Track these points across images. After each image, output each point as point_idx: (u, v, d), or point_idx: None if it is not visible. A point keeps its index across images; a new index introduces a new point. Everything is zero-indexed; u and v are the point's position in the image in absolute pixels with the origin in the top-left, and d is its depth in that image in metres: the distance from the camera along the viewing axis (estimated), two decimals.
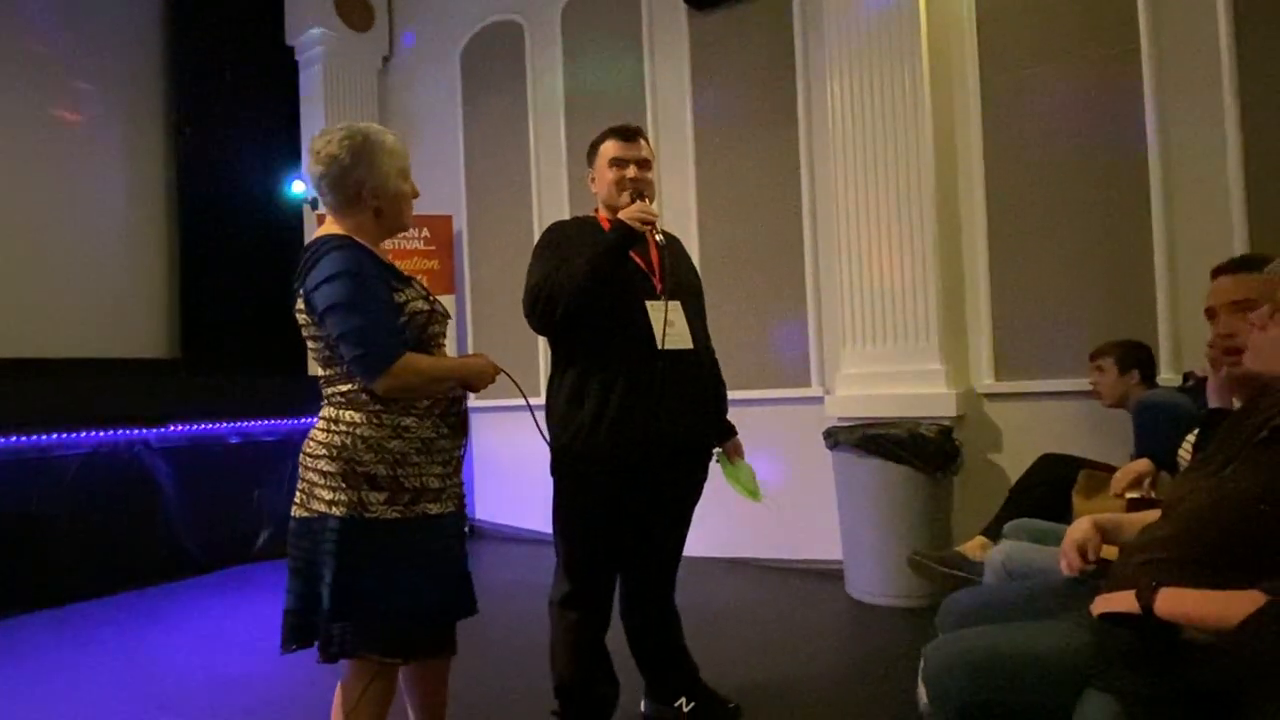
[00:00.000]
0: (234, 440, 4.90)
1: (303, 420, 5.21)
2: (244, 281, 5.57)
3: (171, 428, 4.61)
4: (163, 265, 5.64)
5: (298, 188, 5.71)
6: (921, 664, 1.42)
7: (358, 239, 1.71)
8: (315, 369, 1.76)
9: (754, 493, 2.31)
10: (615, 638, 2.27)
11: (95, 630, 3.58)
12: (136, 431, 4.45)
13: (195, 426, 4.74)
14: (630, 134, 2.22)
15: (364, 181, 1.70)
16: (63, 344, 4.97)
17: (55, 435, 4.14)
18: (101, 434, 4.30)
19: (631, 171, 2.18)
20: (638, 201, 2.10)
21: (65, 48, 5.19)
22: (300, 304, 1.69)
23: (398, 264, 1.81)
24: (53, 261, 5.07)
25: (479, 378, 1.79)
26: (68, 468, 4.13)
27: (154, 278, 5.60)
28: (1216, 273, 1.79)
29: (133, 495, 4.36)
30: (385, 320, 1.65)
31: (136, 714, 2.61)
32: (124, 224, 5.48)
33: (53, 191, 5.12)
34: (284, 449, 5.06)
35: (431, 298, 1.80)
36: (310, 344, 1.72)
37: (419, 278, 1.86)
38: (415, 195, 1.82)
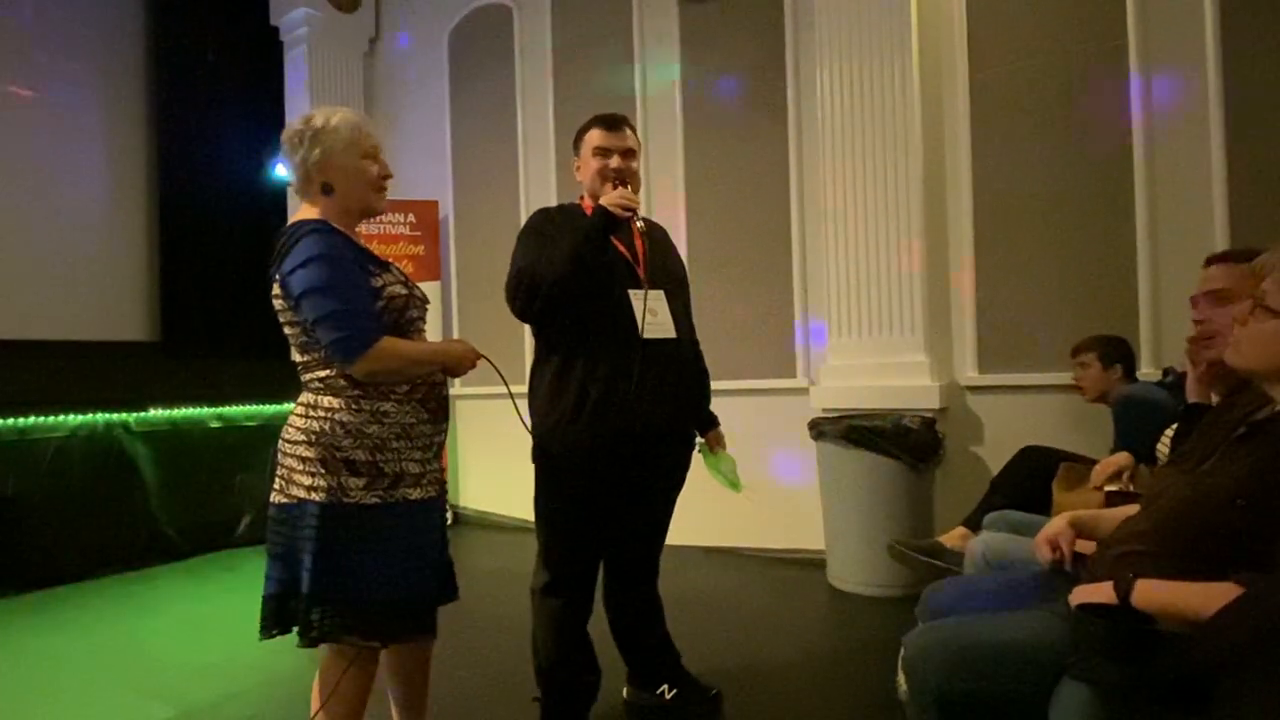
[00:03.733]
0: (215, 424, 4.86)
1: (284, 405, 5.17)
2: (225, 265, 5.52)
3: (151, 411, 4.56)
4: (143, 247, 5.57)
5: (281, 171, 5.65)
6: (901, 653, 1.43)
7: (331, 223, 1.70)
8: (294, 354, 1.74)
9: (734, 484, 2.31)
10: (598, 625, 2.27)
11: (73, 615, 3.55)
12: (115, 414, 4.40)
13: (175, 410, 4.69)
14: (615, 123, 2.20)
15: (308, 158, 1.71)
16: (42, 325, 4.91)
17: (33, 417, 4.09)
18: (80, 417, 4.25)
19: (615, 161, 2.16)
20: (619, 188, 2.08)
21: (45, 26, 5.10)
22: (276, 289, 1.68)
23: (382, 249, 1.80)
24: (31, 243, 4.99)
25: (459, 363, 1.78)
26: (45, 450, 4.09)
27: (134, 260, 5.53)
28: (1209, 262, 1.80)
29: (111, 479, 4.32)
30: (362, 304, 1.64)
31: (115, 699, 2.59)
32: (104, 205, 5.40)
33: (31, 172, 5.03)
34: (265, 433, 5.02)
35: (410, 283, 1.79)
36: (287, 329, 1.71)
37: (402, 263, 1.84)
38: (384, 176, 1.80)
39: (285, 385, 5.15)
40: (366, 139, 1.76)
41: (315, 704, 1.71)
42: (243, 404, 5.01)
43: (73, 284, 5.16)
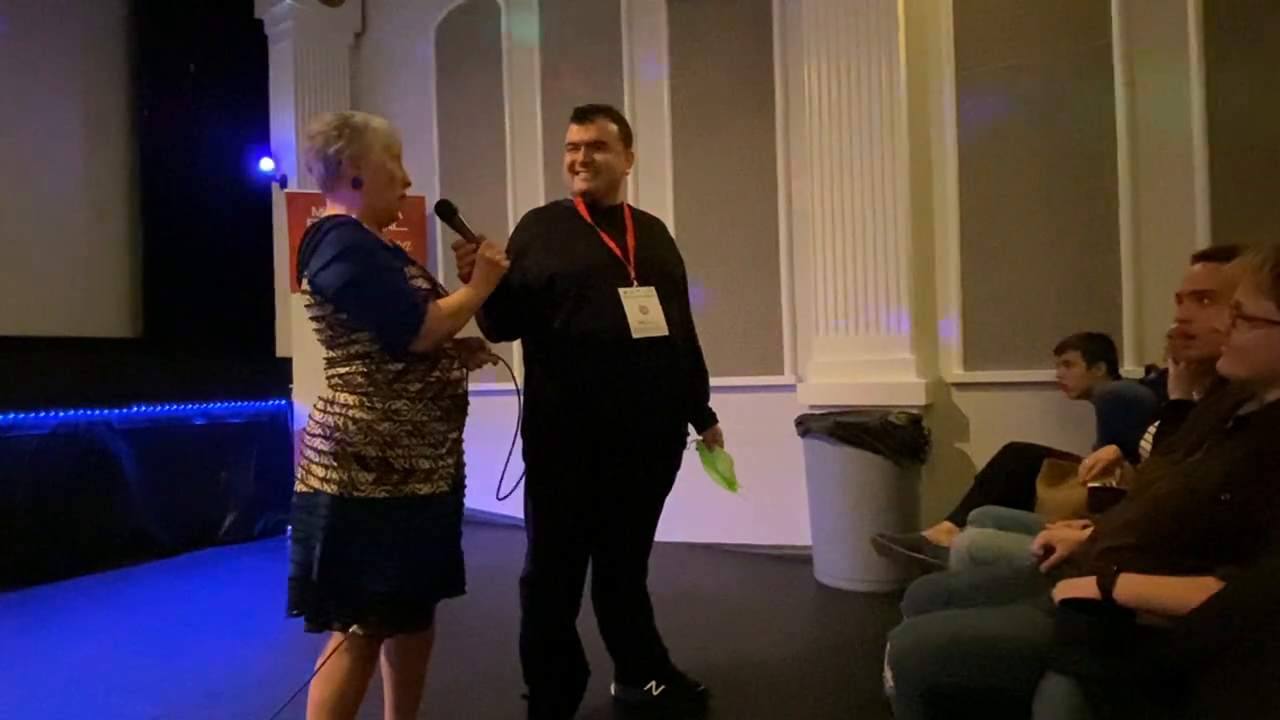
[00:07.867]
0: (199, 422, 4.82)
1: (269, 402, 5.14)
2: (209, 260, 5.45)
3: (134, 408, 4.52)
4: (126, 242, 5.50)
5: (266, 166, 5.60)
6: (887, 647, 1.44)
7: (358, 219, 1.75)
8: (322, 350, 1.79)
9: (731, 482, 2.31)
10: (586, 621, 2.27)
11: (56, 614, 3.51)
12: (98, 412, 4.35)
13: (159, 407, 4.65)
14: (581, 115, 2.21)
15: (343, 151, 1.74)
16: (22, 322, 4.84)
17: (14, 415, 4.04)
18: (61, 414, 4.21)
19: (580, 155, 2.18)
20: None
21: (23, 18, 5.02)
22: (306, 285, 1.72)
23: None
24: (11, 238, 4.92)
25: (494, 273, 1.90)
26: (26, 448, 4.04)
27: (117, 255, 5.46)
28: (1196, 259, 1.80)
29: (94, 477, 4.28)
30: (399, 284, 1.70)
31: (100, 698, 2.57)
32: (86, 199, 5.34)
33: (11, 166, 4.96)
34: (250, 431, 4.98)
35: (431, 276, 1.86)
36: (313, 324, 1.76)
37: None
38: (406, 184, 1.87)
39: (269, 382, 5.15)
40: (397, 144, 1.85)
41: (314, 694, 1.72)
42: (226, 401, 4.97)
43: (54, 280, 5.09)
